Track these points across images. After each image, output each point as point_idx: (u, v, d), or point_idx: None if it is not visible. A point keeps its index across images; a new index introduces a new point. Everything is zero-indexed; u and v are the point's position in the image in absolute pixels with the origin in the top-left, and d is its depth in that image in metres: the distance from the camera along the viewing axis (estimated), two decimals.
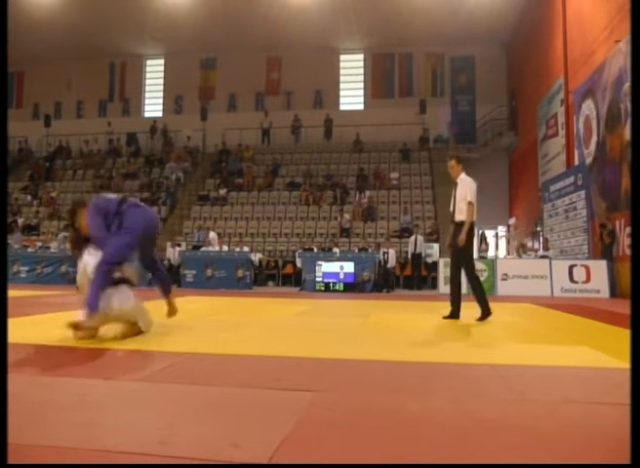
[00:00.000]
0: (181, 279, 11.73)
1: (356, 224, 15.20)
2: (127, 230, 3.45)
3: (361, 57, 20.83)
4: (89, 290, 3.31)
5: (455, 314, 5.18)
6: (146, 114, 21.99)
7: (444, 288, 10.71)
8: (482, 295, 5.08)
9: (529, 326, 4.96)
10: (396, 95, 20.27)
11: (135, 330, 3.52)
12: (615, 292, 9.78)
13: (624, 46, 9.41)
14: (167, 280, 4.18)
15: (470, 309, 5.18)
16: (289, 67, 20.31)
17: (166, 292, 4.08)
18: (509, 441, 1.54)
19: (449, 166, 5.37)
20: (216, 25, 18.06)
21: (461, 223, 5.07)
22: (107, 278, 3.35)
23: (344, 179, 17.24)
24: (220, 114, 20.10)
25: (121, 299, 3.40)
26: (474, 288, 5.14)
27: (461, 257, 5.14)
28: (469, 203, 5.03)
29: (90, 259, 3.43)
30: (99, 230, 3.46)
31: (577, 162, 12.53)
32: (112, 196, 3.75)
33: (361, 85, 20.81)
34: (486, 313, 5.03)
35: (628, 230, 9.33)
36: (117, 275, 3.48)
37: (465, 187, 5.11)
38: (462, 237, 4.97)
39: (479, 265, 10.79)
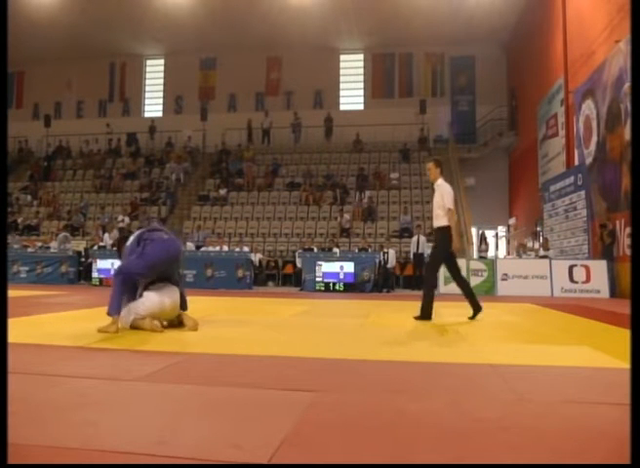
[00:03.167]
0: (182, 279, 11.72)
1: (356, 224, 15.19)
2: (143, 255, 3.87)
3: (361, 57, 20.83)
4: (110, 296, 3.80)
5: (476, 310, 5.14)
6: (146, 114, 21.99)
7: (444, 288, 10.72)
8: (429, 300, 5.07)
9: (529, 326, 4.96)
10: (396, 95, 20.27)
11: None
12: (615, 292, 9.78)
13: (624, 46, 9.41)
14: (183, 297, 4.24)
15: (461, 309, 5.18)
16: (289, 67, 20.31)
17: (182, 308, 4.19)
18: (509, 441, 1.54)
19: (427, 167, 5.47)
20: (216, 25, 18.06)
21: (439, 229, 5.16)
22: (124, 285, 3.79)
23: (344, 179, 17.24)
24: (219, 114, 20.10)
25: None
26: (425, 289, 5.18)
27: (431, 255, 5.26)
28: (449, 209, 5.11)
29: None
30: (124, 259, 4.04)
31: (577, 162, 12.53)
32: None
33: (361, 85, 20.81)
34: (424, 316, 5.01)
35: (628, 230, 9.33)
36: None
37: (442, 194, 5.18)
38: (456, 240, 5.07)
39: (479, 265, 10.81)
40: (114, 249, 4.29)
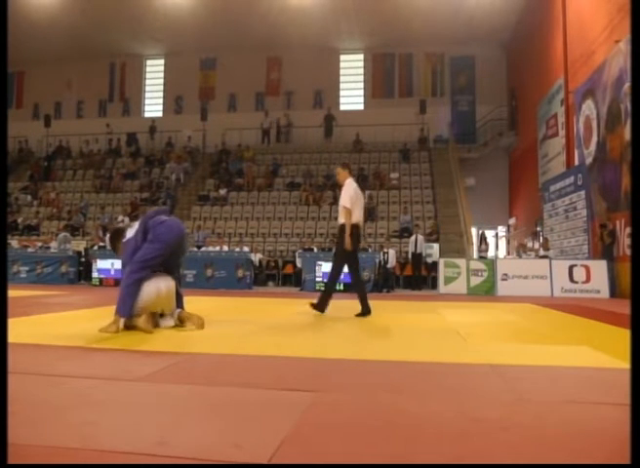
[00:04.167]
0: (181, 279, 11.72)
1: None
2: (156, 238, 3.81)
3: (361, 57, 20.83)
4: (121, 295, 3.69)
5: (365, 312, 5.35)
6: (146, 114, 21.99)
7: (444, 288, 10.73)
8: (363, 295, 5.37)
9: (529, 326, 4.96)
10: (396, 95, 20.27)
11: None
12: (615, 292, 9.77)
13: (624, 46, 9.41)
14: (180, 295, 4.19)
15: (461, 309, 5.19)
16: (289, 67, 20.31)
17: (178, 306, 4.13)
18: (509, 441, 1.54)
19: (336, 173, 5.79)
20: (216, 25, 18.06)
21: (340, 227, 5.41)
22: (140, 283, 3.70)
23: None
24: (219, 114, 20.11)
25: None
26: (357, 287, 5.49)
27: (348, 259, 5.43)
28: (343, 207, 5.33)
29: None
30: (125, 256, 3.89)
31: (577, 162, 12.53)
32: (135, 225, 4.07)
33: (361, 85, 20.82)
34: (366, 312, 5.31)
35: (628, 230, 9.33)
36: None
37: (342, 192, 5.43)
38: (347, 241, 5.27)
39: (479, 265, 10.82)
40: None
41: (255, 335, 3.84)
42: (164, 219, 4.00)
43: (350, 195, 5.34)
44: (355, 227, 5.34)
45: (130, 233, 3.99)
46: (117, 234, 4.26)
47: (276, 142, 19.63)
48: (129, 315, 3.67)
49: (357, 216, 5.37)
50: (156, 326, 3.93)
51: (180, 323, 4.01)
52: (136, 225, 4.01)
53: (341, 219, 5.38)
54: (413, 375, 2.51)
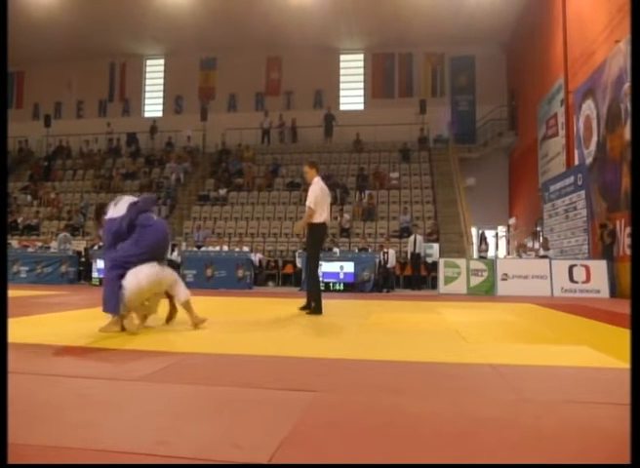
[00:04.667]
0: (181, 279, 11.72)
1: (356, 224, 15.20)
2: (141, 239, 3.81)
3: (361, 57, 20.83)
4: (105, 294, 3.69)
5: (307, 306, 5.55)
6: (146, 114, 21.99)
7: (444, 288, 10.73)
8: (317, 294, 5.53)
9: (529, 326, 4.96)
10: (396, 95, 20.27)
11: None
12: (615, 291, 9.77)
13: (624, 46, 9.41)
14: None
15: (461, 309, 5.19)
16: (289, 67, 20.32)
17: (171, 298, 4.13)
18: (509, 441, 1.54)
19: (304, 171, 5.89)
20: (216, 25, 18.06)
21: (308, 225, 5.54)
22: (120, 280, 3.67)
23: (344, 179, 17.23)
24: (219, 114, 20.11)
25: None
26: (310, 285, 5.63)
27: (307, 252, 5.63)
28: (308, 208, 5.45)
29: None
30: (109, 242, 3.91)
31: (577, 162, 12.53)
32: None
33: (361, 85, 20.82)
34: (317, 310, 5.41)
35: (628, 230, 9.33)
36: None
37: (309, 191, 5.53)
38: (300, 225, 5.61)
39: (479, 265, 10.81)
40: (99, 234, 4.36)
41: (255, 335, 3.84)
42: (152, 222, 3.96)
43: (316, 195, 5.43)
44: (322, 226, 5.47)
45: (113, 212, 3.91)
46: (102, 210, 4.23)
47: (280, 142, 19.65)
48: (118, 312, 3.65)
49: (324, 216, 5.47)
50: (145, 316, 3.95)
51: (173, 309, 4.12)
52: (121, 205, 3.92)
53: (309, 219, 5.51)
54: (413, 375, 2.51)
